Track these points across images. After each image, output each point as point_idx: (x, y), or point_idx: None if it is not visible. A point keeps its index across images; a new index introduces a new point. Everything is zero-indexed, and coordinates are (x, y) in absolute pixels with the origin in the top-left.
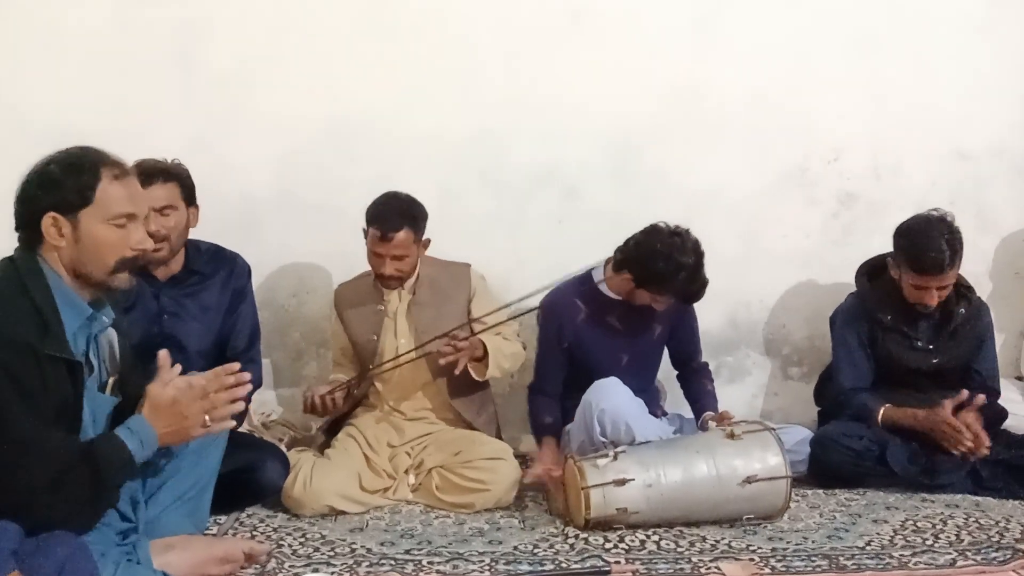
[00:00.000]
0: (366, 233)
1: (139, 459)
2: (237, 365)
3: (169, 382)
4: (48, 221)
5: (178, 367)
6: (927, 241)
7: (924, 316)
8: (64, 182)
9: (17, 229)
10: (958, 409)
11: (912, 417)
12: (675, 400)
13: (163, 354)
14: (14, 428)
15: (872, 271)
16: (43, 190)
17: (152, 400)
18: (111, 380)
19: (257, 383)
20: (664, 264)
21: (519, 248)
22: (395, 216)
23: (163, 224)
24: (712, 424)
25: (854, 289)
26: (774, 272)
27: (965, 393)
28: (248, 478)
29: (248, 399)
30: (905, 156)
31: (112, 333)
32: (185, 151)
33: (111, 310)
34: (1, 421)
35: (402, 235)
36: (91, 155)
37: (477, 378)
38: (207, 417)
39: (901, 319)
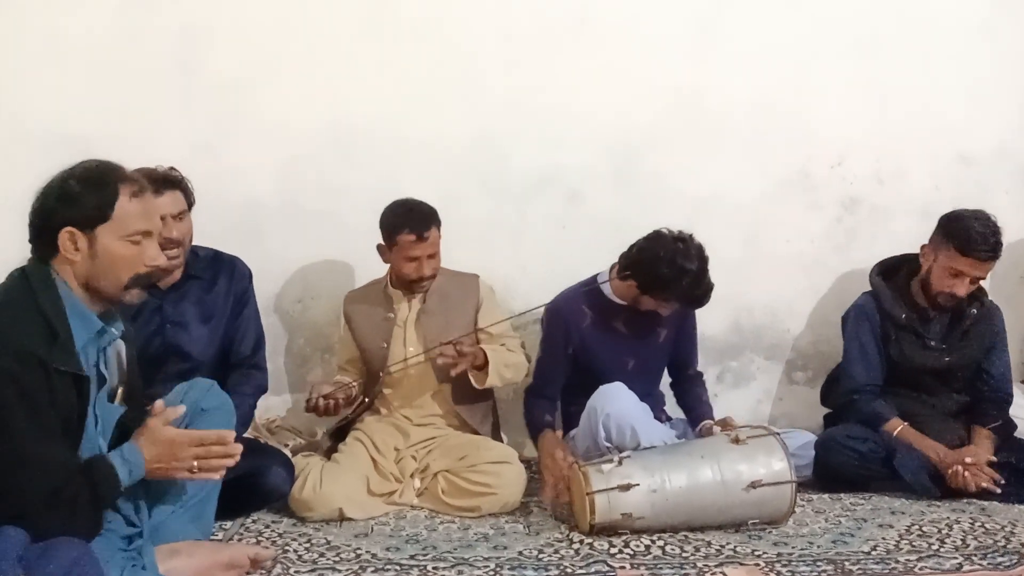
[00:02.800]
0: (387, 246)
1: (125, 485)
2: (235, 436)
3: (169, 422)
4: (65, 236)
5: (181, 408)
6: (980, 225)
7: (937, 316)
8: (83, 198)
9: (31, 241)
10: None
11: (932, 450)
12: (676, 405)
13: (159, 404)
14: (18, 439)
15: (886, 271)
16: (61, 204)
17: (149, 434)
18: (120, 389)
19: (263, 389)
20: (668, 270)
21: (521, 253)
22: (423, 217)
23: (180, 230)
24: (716, 429)
25: (859, 293)
26: (778, 277)
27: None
28: (253, 484)
29: (253, 405)
30: (908, 160)
31: (120, 343)
32: (187, 157)
33: (121, 322)
34: (6, 431)
35: (434, 232)
36: (110, 171)
37: (477, 386)
38: (195, 463)
39: (915, 318)
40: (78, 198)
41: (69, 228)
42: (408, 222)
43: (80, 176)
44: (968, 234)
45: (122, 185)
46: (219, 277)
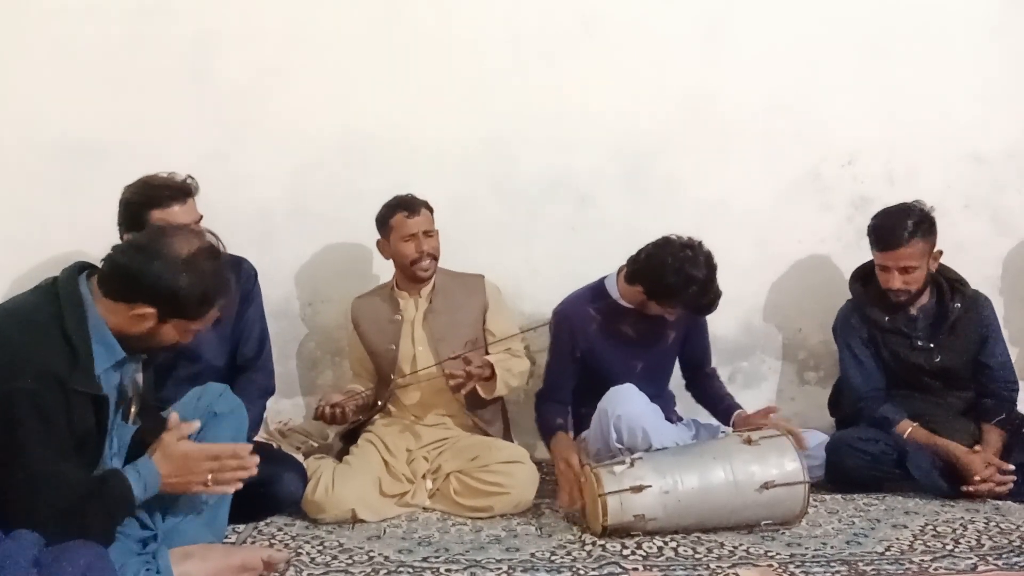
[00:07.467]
0: (385, 238)
1: (139, 500)
2: (250, 449)
3: (184, 436)
4: (140, 310)
5: (196, 423)
6: (887, 218)
7: (921, 315)
8: (185, 301)
9: (105, 273)
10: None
11: (944, 448)
12: (687, 406)
13: (174, 416)
14: (34, 458)
15: (865, 276)
16: (162, 288)
17: (164, 448)
18: (133, 409)
19: (269, 391)
20: (675, 278)
21: (531, 257)
22: (412, 199)
23: None
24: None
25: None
26: (789, 277)
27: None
28: (265, 491)
29: (262, 408)
30: (919, 160)
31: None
32: (199, 164)
33: None
34: (24, 451)
35: (426, 213)
36: (222, 286)
37: (484, 396)
38: (211, 477)
39: (898, 319)
40: (181, 299)
41: (150, 309)
42: (398, 205)
43: (201, 276)
44: (876, 231)
45: (218, 302)
46: None
